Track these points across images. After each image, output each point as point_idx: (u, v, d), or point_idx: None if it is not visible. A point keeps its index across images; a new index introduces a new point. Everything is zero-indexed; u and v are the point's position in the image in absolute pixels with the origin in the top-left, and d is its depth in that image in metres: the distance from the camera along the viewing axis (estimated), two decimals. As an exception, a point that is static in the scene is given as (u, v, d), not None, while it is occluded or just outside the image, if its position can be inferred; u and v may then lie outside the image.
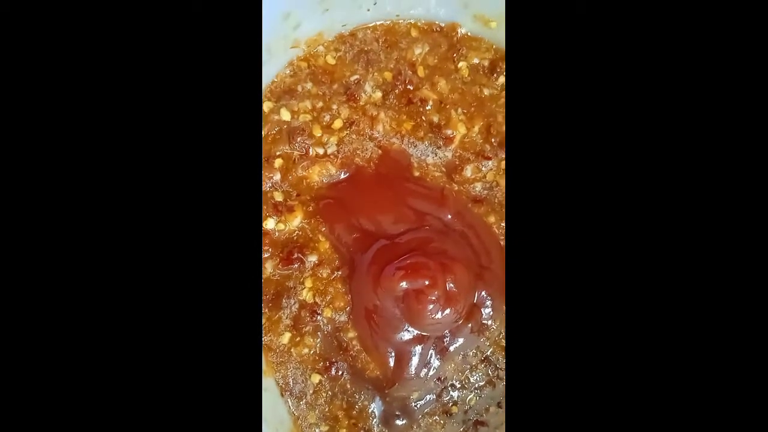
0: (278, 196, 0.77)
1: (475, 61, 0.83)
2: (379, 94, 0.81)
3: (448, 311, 0.72)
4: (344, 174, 0.79)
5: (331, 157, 0.79)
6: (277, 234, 0.77)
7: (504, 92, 0.81)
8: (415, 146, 0.80)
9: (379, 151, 0.79)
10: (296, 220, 0.77)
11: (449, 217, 0.77)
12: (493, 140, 0.79)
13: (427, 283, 0.71)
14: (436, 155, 0.80)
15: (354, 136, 0.79)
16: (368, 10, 0.82)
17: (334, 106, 0.80)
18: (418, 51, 0.82)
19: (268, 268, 0.76)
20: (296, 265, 0.75)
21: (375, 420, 0.73)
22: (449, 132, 0.79)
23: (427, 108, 0.80)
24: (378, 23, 0.84)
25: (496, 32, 0.82)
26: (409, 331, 0.73)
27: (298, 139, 0.78)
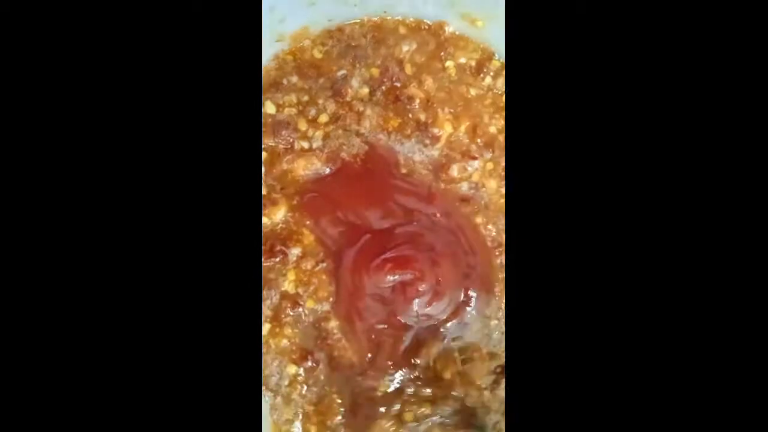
0: (262, 190, 0.77)
1: (462, 60, 0.83)
2: (366, 90, 0.80)
3: (434, 305, 0.73)
4: (330, 168, 0.78)
5: (317, 151, 0.78)
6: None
7: (489, 93, 0.82)
8: (402, 144, 0.80)
9: (366, 147, 0.79)
10: (280, 213, 0.76)
11: (437, 215, 0.77)
12: (478, 140, 0.80)
13: (414, 276, 0.72)
14: (422, 153, 0.80)
15: (340, 132, 0.79)
16: (355, 5, 0.82)
17: (320, 101, 0.79)
18: (405, 48, 0.82)
19: None
20: (278, 258, 0.75)
21: (340, 416, 0.73)
22: (436, 131, 0.79)
23: (414, 106, 0.80)
24: (366, 18, 0.84)
25: (482, 31, 0.82)
26: (392, 321, 0.74)
27: (283, 132, 0.77)
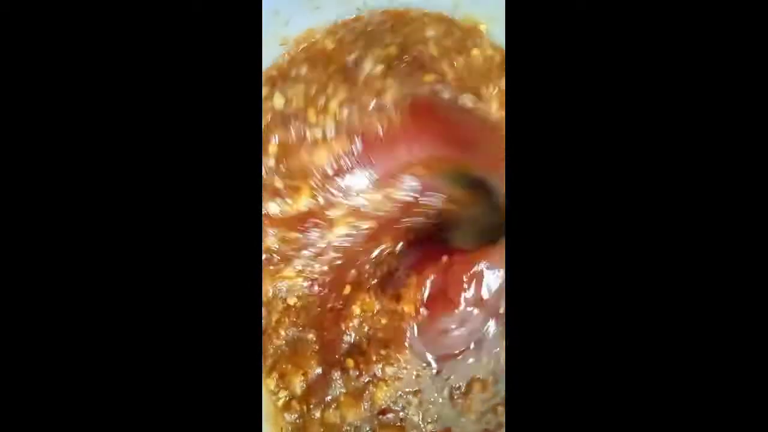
0: (278, 183, 0.72)
1: (489, 52, 0.79)
2: (380, 68, 0.75)
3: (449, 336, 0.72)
4: (359, 142, 0.72)
5: (334, 139, 0.73)
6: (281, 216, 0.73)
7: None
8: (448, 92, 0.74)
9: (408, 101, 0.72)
10: (303, 200, 0.73)
11: None
12: None
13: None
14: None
15: (355, 108, 0.73)
16: (357, 9, 0.81)
17: (330, 89, 0.74)
18: (430, 33, 0.78)
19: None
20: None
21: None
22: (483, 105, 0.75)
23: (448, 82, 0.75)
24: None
25: (486, 34, 0.82)
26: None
27: (293, 123, 0.73)
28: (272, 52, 0.79)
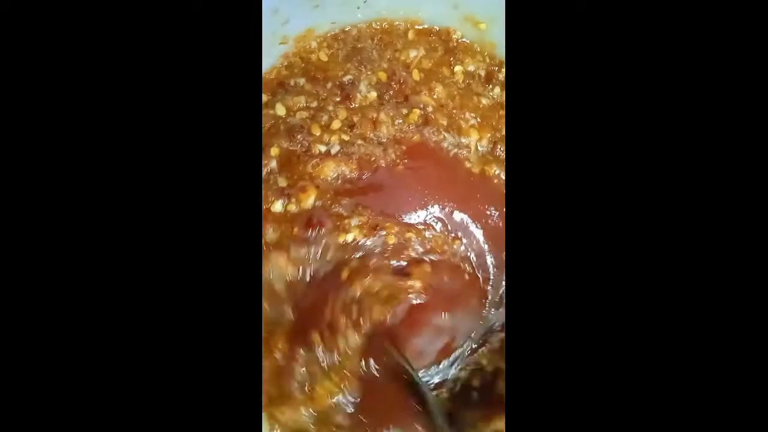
0: (282, 182, 0.74)
1: (471, 68, 0.82)
2: (374, 95, 0.78)
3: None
4: (366, 175, 0.75)
5: (340, 156, 0.75)
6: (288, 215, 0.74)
7: (499, 104, 0.81)
8: (442, 135, 0.78)
9: (403, 147, 0.76)
10: (310, 200, 0.73)
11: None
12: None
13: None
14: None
15: (360, 141, 0.76)
16: (358, 8, 0.81)
17: (330, 108, 0.77)
18: (413, 54, 0.81)
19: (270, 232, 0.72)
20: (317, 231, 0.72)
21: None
22: (464, 140, 0.78)
23: (427, 111, 0.78)
24: (373, 20, 0.83)
25: (486, 34, 0.82)
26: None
27: (298, 136, 0.75)
28: (272, 51, 0.79)
